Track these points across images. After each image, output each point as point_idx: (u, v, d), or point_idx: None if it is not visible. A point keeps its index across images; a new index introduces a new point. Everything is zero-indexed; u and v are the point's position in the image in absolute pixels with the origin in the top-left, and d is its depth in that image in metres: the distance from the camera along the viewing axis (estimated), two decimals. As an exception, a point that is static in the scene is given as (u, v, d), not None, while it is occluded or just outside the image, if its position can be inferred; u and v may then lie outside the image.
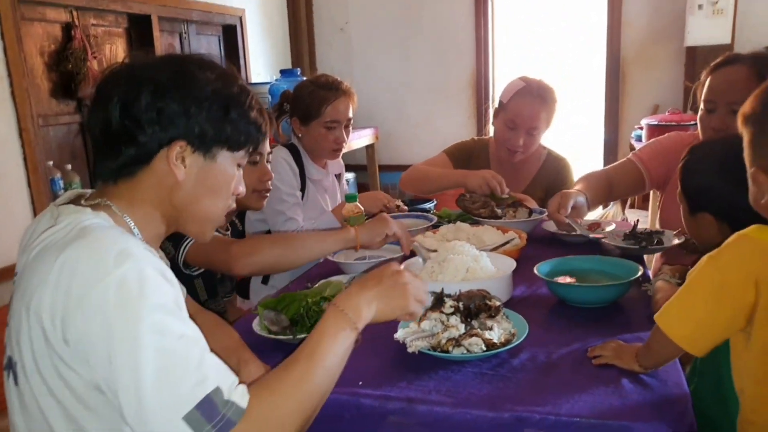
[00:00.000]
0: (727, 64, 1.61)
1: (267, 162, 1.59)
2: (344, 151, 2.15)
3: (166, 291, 0.79)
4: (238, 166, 0.96)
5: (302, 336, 1.14)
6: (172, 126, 0.88)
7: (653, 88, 3.96)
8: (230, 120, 0.91)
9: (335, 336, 0.88)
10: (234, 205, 1.00)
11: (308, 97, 2.00)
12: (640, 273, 1.31)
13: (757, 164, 0.97)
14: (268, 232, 1.98)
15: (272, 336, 1.18)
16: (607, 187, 1.90)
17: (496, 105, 2.20)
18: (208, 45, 3.86)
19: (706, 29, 3.50)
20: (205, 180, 0.92)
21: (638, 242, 1.63)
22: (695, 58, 3.68)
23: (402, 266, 1.04)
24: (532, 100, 2.08)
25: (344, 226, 1.70)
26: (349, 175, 4.24)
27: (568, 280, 1.39)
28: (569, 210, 1.68)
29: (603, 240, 1.69)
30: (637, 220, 1.80)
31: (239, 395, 0.77)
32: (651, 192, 2.56)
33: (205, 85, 0.90)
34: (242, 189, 0.98)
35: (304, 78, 2.71)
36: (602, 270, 1.41)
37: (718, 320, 0.97)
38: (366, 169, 4.43)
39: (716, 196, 1.22)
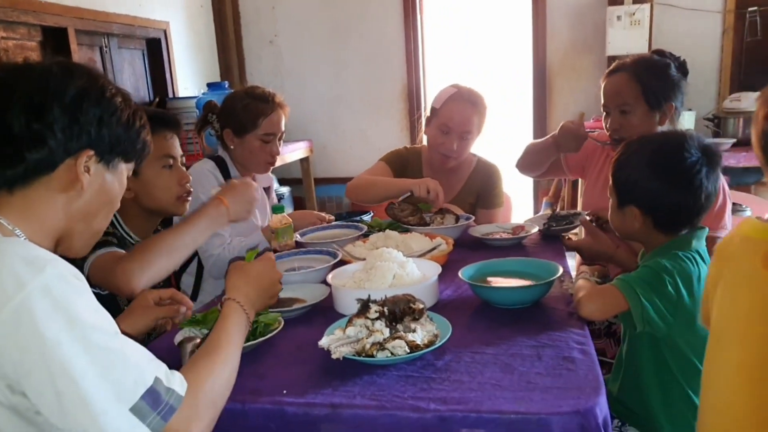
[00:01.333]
0: (615, 72, 1.79)
1: (182, 165, 1.57)
2: (278, 163, 2.12)
3: (87, 291, 0.81)
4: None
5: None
6: (85, 134, 0.88)
7: (578, 97, 4.13)
8: (132, 131, 0.95)
9: (240, 327, 1.03)
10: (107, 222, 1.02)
11: (243, 109, 1.97)
12: (560, 273, 1.35)
13: None
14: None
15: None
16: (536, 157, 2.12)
17: (428, 113, 2.24)
18: (131, 59, 3.74)
19: (625, 39, 3.72)
20: (104, 191, 0.93)
21: (558, 224, 1.74)
22: (617, 67, 3.90)
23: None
24: (464, 105, 2.14)
25: (272, 239, 1.69)
26: (284, 189, 4.20)
27: (493, 282, 1.42)
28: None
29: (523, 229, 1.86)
30: (555, 207, 1.94)
31: (178, 382, 0.83)
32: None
33: (114, 97, 0.93)
34: (118, 204, 1.01)
35: (233, 91, 2.67)
36: (525, 271, 1.45)
37: None
38: (301, 183, 4.39)
39: (644, 190, 1.27)
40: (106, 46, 3.48)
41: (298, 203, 4.30)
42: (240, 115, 1.95)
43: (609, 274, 1.49)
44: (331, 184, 4.47)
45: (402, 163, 2.27)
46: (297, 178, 4.42)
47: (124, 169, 0.98)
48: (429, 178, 1.98)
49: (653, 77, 1.73)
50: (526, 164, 2.15)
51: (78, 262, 1.33)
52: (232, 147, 2.00)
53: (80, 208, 0.91)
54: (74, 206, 0.90)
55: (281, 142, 2.04)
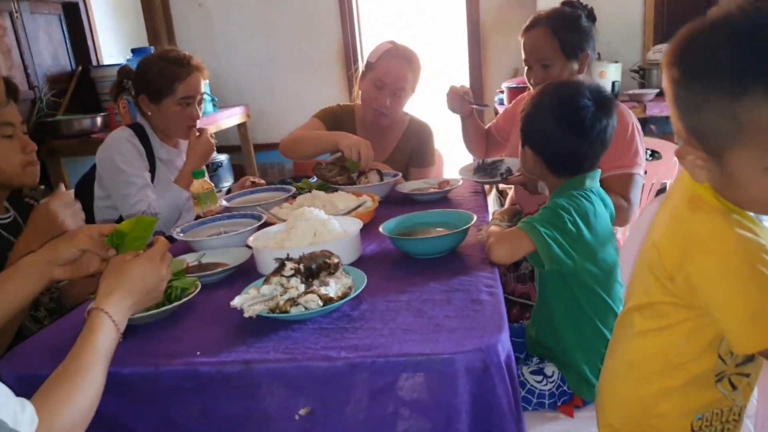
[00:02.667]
0: (532, 28, 1.85)
1: (24, 133, 1.42)
2: (213, 130, 2.07)
3: None
4: None
5: (137, 315, 1.11)
6: None
7: (512, 53, 4.15)
8: None
9: (106, 343, 0.94)
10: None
11: (158, 73, 1.91)
12: (473, 221, 1.39)
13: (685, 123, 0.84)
14: (120, 219, 1.89)
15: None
16: (485, 141, 2.26)
17: (363, 68, 2.23)
18: (46, 25, 3.54)
19: (553, -10, 3.75)
20: None
21: (486, 173, 1.82)
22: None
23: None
24: (399, 61, 2.13)
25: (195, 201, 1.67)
26: (222, 157, 4.11)
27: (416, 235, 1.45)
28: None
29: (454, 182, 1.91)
30: (483, 160, 1.98)
31: (27, 421, 0.75)
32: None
33: None
34: None
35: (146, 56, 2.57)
36: (444, 221, 1.48)
37: None
38: (240, 150, 4.31)
39: (536, 133, 1.34)
40: (16, 11, 3.28)
41: (238, 171, 4.22)
42: (155, 80, 1.89)
43: (522, 213, 1.54)
44: (271, 150, 4.39)
45: (335, 121, 2.26)
46: (236, 145, 4.33)
47: None
48: (362, 139, 1.97)
49: (568, 29, 1.80)
50: (467, 145, 2.29)
51: None
52: (149, 113, 1.94)
53: None
54: None
55: (201, 105, 1.99)
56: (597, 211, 1.25)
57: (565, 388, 1.33)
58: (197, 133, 1.93)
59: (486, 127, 2.27)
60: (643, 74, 3.61)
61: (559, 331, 1.36)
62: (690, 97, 0.80)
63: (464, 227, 1.36)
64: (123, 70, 2.00)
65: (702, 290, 0.83)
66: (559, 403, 1.33)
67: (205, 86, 2.01)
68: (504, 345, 0.99)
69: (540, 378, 1.35)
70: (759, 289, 0.79)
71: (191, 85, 1.91)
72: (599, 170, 1.36)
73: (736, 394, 0.96)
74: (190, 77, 1.91)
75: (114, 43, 3.99)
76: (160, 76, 1.89)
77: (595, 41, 1.85)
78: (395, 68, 2.12)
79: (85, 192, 1.96)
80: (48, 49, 3.55)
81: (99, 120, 3.40)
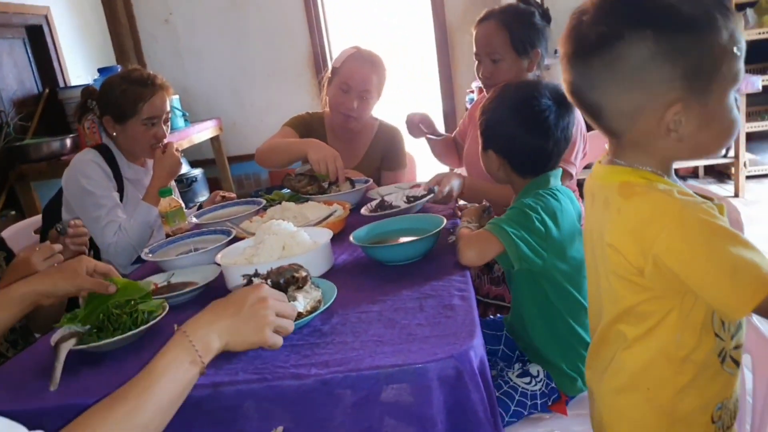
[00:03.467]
0: (484, 21, 1.84)
1: None
2: (185, 145, 2.03)
3: None
4: None
5: (102, 342, 1.08)
6: None
7: (481, 52, 4.18)
8: None
9: (175, 372, 0.81)
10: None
11: (121, 94, 1.88)
12: (442, 225, 1.38)
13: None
14: (92, 242, 1.85)
15: (76, 347, 1.10)
16: (456, 151, 2.23)
17: (329, 74, 2.22)
18: (10, 49, 3.48)
19: (518, -10, 3.76)
20: None
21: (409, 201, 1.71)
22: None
23: (265, 291, 0.95)
24: (363, 63, 2.14)
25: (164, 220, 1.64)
26: (197, 171, 4.07)
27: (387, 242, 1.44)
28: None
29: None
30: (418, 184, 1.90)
31: None
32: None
33: None
34: None
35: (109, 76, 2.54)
36: (415, 227, 1.47)
37: None
38: (214, 163, 4.27)
39: (499, 135, 1.33)
40: (-23, 38, 3.22)
41: (213, 184, 4.18)
42: (118, 101, 1.86)
43: (490, 209, 1.52)
44: (246, 162, 4.37)
45: (306, 128, 2.24)
46: (209, 158, 4.29)
47: None
48: (330, 151, 1.93)
49: (519, 25, 1.79)
50: (438, 160, 2.27)
51: None
52: (114, 134, 1.91)
53: None
54: None
55: (167, 124, 1.96)
56: (564, 208, 1.25)
57: (554, 385, 1.33)
58: (162, 149, 1.90)
59: (452, 135, 2.27)
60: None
61: (532, 330, 1.35)
62: (669, 48, 0.80)
63: (434, 231, 1.34)
64: (86, 90, 1.97)
65: (674, 268, 0.81)
66: (549, 403, 1.32)
67: (171, 103, 1.98)
68: (477, 351, 0.98)
69: (528, 379, 1.34)
70: (726, 242, 0.78)
71: (155, 105, 1.89)
72: (560, 168, 1.36)
73: (739, 370, 0.94)
74: (154, 97, 1.88)
75: (81, 63, 3.93)
76: (124, 97, 1.86)
77: (547, 41, 1.83)
78: (360, 71, 2.12)
79: (53, 216, 1.92)
80: (13, 73, 3.49)
81: (68, 142, 3.34)
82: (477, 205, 1.53)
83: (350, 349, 1.02)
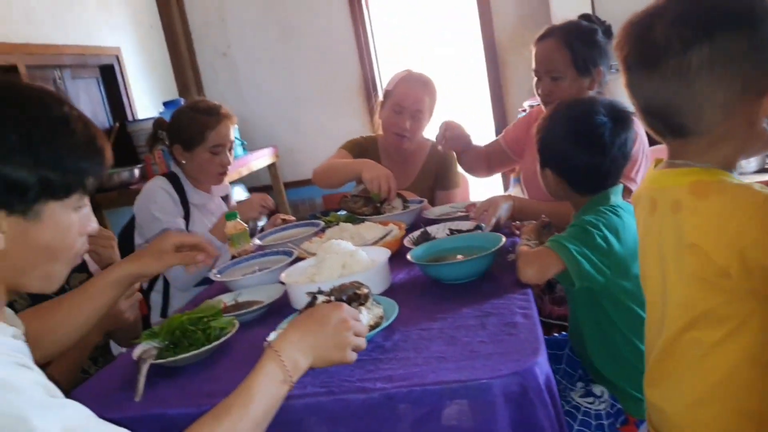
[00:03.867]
0: (545, 38, 1.80)
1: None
2: (245, 172, 2.11)
3: (27, 383, 0.71)
4: (78, 208, 0.84)
5: (178, 357, 1.14)
6: None
7: (531, 71, 4.15)
8: (44, 165, 0.76)
9: (268, 387, 0.88)
10: (87, 246, 0.91)
11: (189, 123, 2.00)
12: (501, 244, 1.39)
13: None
14: None
15: (155, 362, 1.16)
16: (485, 158, 2.17)
17: (382, 97, 2.28)
18: (86, 87, 3.72)
19: (569, 7, 3.73)
20: (34, 242, 0.79)
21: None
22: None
23: (346, 311, 1.00)
24: (415, 84, 2.20)
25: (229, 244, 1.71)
26: (255, 197, 4.20)
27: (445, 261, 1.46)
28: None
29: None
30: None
31: None
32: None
33: (6, 124, 0.75)
34: (92, 226, 0.88)
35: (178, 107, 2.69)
36: (473, 245, 1.48)
37: None
38: (271, 188, 4.41)
39: (556, 153, 1.33)
40: (59, 78, 3.46)
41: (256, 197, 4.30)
42: (187, 129, 1.98)
43: (551, 225, 1.50)
44: (301, 187, 4.48)
45: (361, 151, 2.31)
46: (266, 184, 4.43)
47: (57, 207, 0.80)
48: (384, 171, 1.97)
49: (582, 43, 1.75)
50: (466, 170, 2.25)
51: None
52: (183, 162, 2.02)
53: (12, 266, 0.80)
54: (3, 265, 0.79)
55: (231, 152, 2.07)
56: (626, 224, 1.23)
57: (619, 406, 1.30)
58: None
59: (494, 140, 2.22)
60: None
61: (593, 350, 1.33)
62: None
63: (492, 250, 1.35)
64: (157, 122, 2.10)
65: (762, 260, 0.80)
66: (618, 425, 1.29)
67: (234, 132, 2.09)
68: (542, 368, 0.98)
69: (591, 399, 1.32)
70: None
71: (221, 133, 2.00)
72: (621, 185, 1.34)
73: None
74: (219, 125, 1.99)
75: (147, 97, 4.17)
76: (192, 126, 1.98)
77: (610, 59, 1.78)
78: (412, 92, 2.17)
79: (127, 242, 2.04)
80: (88, 109, 3.72)
81: (137, 171, 3.53)
82: (535, 221, 1.52)
83: (413, 364, 1.04)
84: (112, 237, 1.69)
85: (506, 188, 4.24)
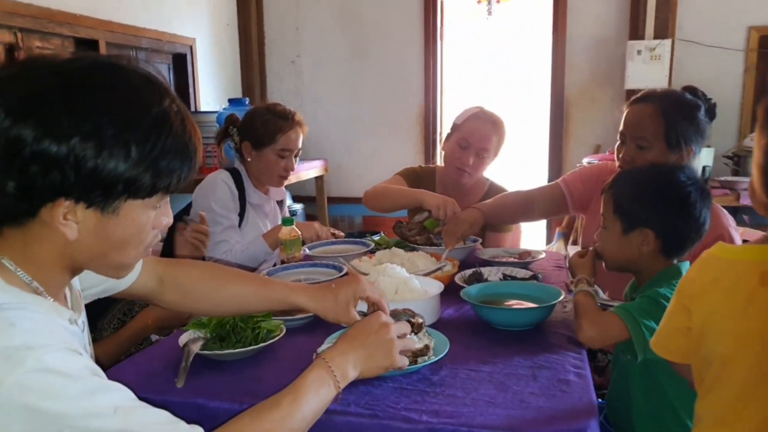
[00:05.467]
0: (640, 101, 1.69)
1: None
2: (293, 180, 2.13)
3: (79, 368, 0.71)
4: (156, 207, 0.82)
5: (225, 352, 1.14)
6: (52, 176, 0.70)
7: (595, 129, 4.14)
8: (135, 165, 0.74)
9: (318, 390, 0.90)
10: (159, 237, 0.90)
11: (263, 124, 2.04)
12: (561, 297, 1.36)
13: None
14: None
15: (200, 352, 1.16)
16: (524, 206, 2.01)
17: (449, 130, 2.28)
18: (157, 72, 3.82)
19: (645, 73, 3.74)
20: (108, 236, 0.78)
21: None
22: (634, 102, 3.92)
23: (383, 317, 1.03)
24: (485, 123, 2.18)
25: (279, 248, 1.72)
26: (298, 206, 4.25)
27: (497, 304, 1.43)
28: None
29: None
30: (569, 237, 1.87)
31: None
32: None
33: (104, 116, 0.71)
34: (166, 221, 0.86)
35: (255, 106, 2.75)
36: (528, 294, 1.46)
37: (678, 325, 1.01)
38: (315, 201, 4.44)
39: (659, 213, 1.27)
40: (134, 59, 3.58)
41: (311, 220, 4.33)
42: (260, 129, 2.01)
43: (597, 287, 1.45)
44: (343, 204, 4.52)
45: (416, 180, 2.31)
46: (311, 195, 4.47)
47: (137, 206, 0.78)
48: (448, 198, 1.95)
49: (680, 117, 1.61)
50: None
51: None
52: (249, 160, 2.05)
53: (82, 254, 0.79)
54: (75, 252, 0.78)
55: (297, 159, 2.09)
56: None
57: None
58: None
59: (545, 186, 2.10)
60: (737, 161, 3.50)
61: (637, 421, 1.28)
62: None
63: (552, 302, 1.32)
64: (230, 117, 2.14)
65: None
66: None
67: (301, 140, 2.11)
68: (593, 429, 0.95)
69: None
70: None
71: (291, 138, 2.03)
72: (687, 262, 1.31)
73: None
74: (291, 131, 2.02)
75: (212, 92, 4.28)
76: (265, 127, 2.01)
77: (705, 140, 1.64)
78: (481, 129, 2.17)
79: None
80: (156, 93, 3.84)
81: (192, 161, 3.61)
82: (582, 250, 1.47)
83: (461, 404, 1.01)
84: (208, 234, 1.74)
85: (550, 240, 4.19)
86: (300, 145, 2.08)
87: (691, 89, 1.67)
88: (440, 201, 1.93)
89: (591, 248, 1.45)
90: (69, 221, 0.74)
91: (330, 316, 1.11)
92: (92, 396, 0.70)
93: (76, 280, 0.93)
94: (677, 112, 1.61)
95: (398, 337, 1.02)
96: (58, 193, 0.72)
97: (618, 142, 1.74)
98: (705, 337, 0.96)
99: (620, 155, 1.71)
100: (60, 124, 0.70)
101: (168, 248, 2.07)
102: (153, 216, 0.82)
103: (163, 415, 0.76)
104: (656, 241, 1.28)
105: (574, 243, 4.11)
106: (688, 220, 1.26)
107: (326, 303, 1.10)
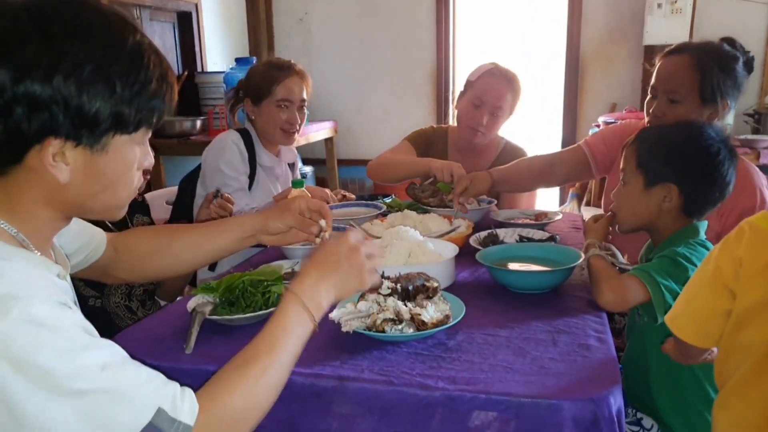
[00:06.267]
0: (675, 53, 1.60)
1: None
2: (302, 142, 2.06)
3: (68, 323, 0.69)
4: (142, 143, 0.82)
5: (235, 317, 1.11)
6: (39, 117, 0.70)
7: (611, 87, 4.02)
8: (120, 99, 0.73)
9: (294, 330, 0.86)
10: (142, 180, 0.93)
11: (260, 77, 1.98)
12: (581, 260, 1.31)
13: None
14: None
15: (210, 317, 1.14)
16: (543, 172, 1.94)
17: (463, 87, 2.20)
18: (161, 31, 3.76)
19: (665, 28, 3.58)
20: (98, 174, 0.77)
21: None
22: (653, 57, 3.75)
23: (352, 238, 0.98)
24: (500, 80, 2.11)
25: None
26: (308, 169, 4.19)
27: (512, 267, 1.39)
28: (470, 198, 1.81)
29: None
30: (582, 199, 1.83)
31: (187, 408, 0.72)
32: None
33: (82, 52, 0.70)
34: (149, 161, 0.85)
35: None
36: (545, 257, 1.42)
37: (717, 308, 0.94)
38: (324, 163, 4.38)
39: (684, 167, 1.22)
40: (137, 18, 3.50)
41: (320, 183, 4.28)
42: (258, 83, 1.96)
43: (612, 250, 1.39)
44: (354, 166, 4.45)
45: (426, 143, 2.25)
46: (321, 158, 4.40)
47: (124, 142, 0.77)
48: (452, 162, 1.92)
49: (717, 69, 1.52)
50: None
51: None
52: (252, 117, 2.00)
53: (73, 197, 0.77)
54: (65, 195, 0.77)
55: (303, 112, 2.01)
56: None
57: None
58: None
59: (565, 150, 2.03)
60: (758, 119, 3.39)
61: (655, 387, 1.26)
62: None
63: (570, 265, 1.28)
64: (241, 83, 2.07)
65: None
66: None
67: (305, 93, 2.03)
68: (616, 398, 0.92)
69: (638, 429, 1.26)
70: None
71: (288, 87, 1.96)
72: (706, 221, 1.26)
73: None
74: (288, 80, 1.95)
75: (219, 51, 4.18)
76: (262, 79, 1.96)
77: (741, 94, 1.57)
78: (495, 87, 2.09)
79: (188, 190, 2.03)
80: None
81: (198, 123, 3.55)
82: (596, 215, 1.42)
83: (478, 370, 0.98)
84: (231, 214, 1.71)
85: (562, 202, 4.12)
86: (304, 97, 2.00)
87: (730, 40, 1.58)
88: (444, 164, 1.89)
89: (608, 213, 1.40)
90: (58, 162, 0.73)
91: (273, 225, 1.16)
92: (81, 353, 0.67)
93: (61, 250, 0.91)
94: (714, 64, 1.53)
95: (368, 256, 0.97)
96: (47, 132, 0.71)
97: (649, 97, 1.65)
98: (749, 323, 0.91)
99: (650, 110, 1.62)
100: (40, 63, 0.69)
101: (179, 210, 2.04)
102: (139, 154, 0.82)
103: (152, 373, 0.74)
104: (679, 197, 1.22)
105: (588, 204, 4.05)
106: (716, 177, 1.20)
107: (267, 214, 1.17)
